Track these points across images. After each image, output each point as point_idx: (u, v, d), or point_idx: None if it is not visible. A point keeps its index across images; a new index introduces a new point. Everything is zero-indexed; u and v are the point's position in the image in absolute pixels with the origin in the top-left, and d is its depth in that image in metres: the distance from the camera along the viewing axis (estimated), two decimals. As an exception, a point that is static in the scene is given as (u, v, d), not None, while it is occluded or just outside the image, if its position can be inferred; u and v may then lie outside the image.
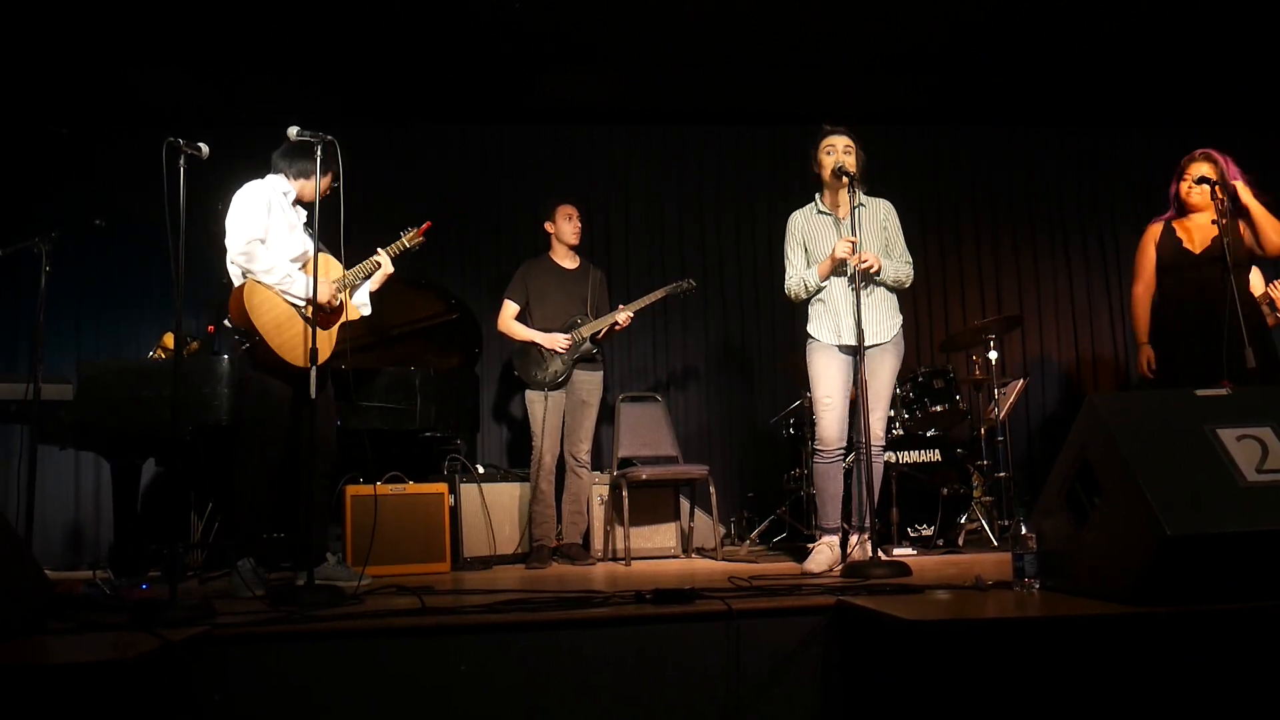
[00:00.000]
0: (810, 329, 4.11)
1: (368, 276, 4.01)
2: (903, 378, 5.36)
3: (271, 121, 3.82)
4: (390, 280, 4.12)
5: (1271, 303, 4.60)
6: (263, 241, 3.73)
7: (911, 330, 6.76)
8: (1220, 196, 3.87)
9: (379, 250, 4.03)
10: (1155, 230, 4.23)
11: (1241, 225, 4.01)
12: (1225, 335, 3.71)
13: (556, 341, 5.06)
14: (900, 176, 6.80)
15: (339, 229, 3.36)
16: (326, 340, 3.79)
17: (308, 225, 3.91)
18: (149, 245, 5.74)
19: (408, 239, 4.08)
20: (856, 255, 3.86)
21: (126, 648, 2.27)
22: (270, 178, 3.89)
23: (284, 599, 3.11)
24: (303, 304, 3.76)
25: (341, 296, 3.86)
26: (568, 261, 5.26)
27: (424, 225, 4.12)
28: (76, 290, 6.10)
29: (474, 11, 5.26)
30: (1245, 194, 4.00)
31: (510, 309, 5.19)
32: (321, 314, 3.76)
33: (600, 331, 5.13)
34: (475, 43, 5.60)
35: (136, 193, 5.65)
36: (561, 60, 5.86)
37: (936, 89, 6.43)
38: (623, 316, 5.12)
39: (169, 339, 5.05)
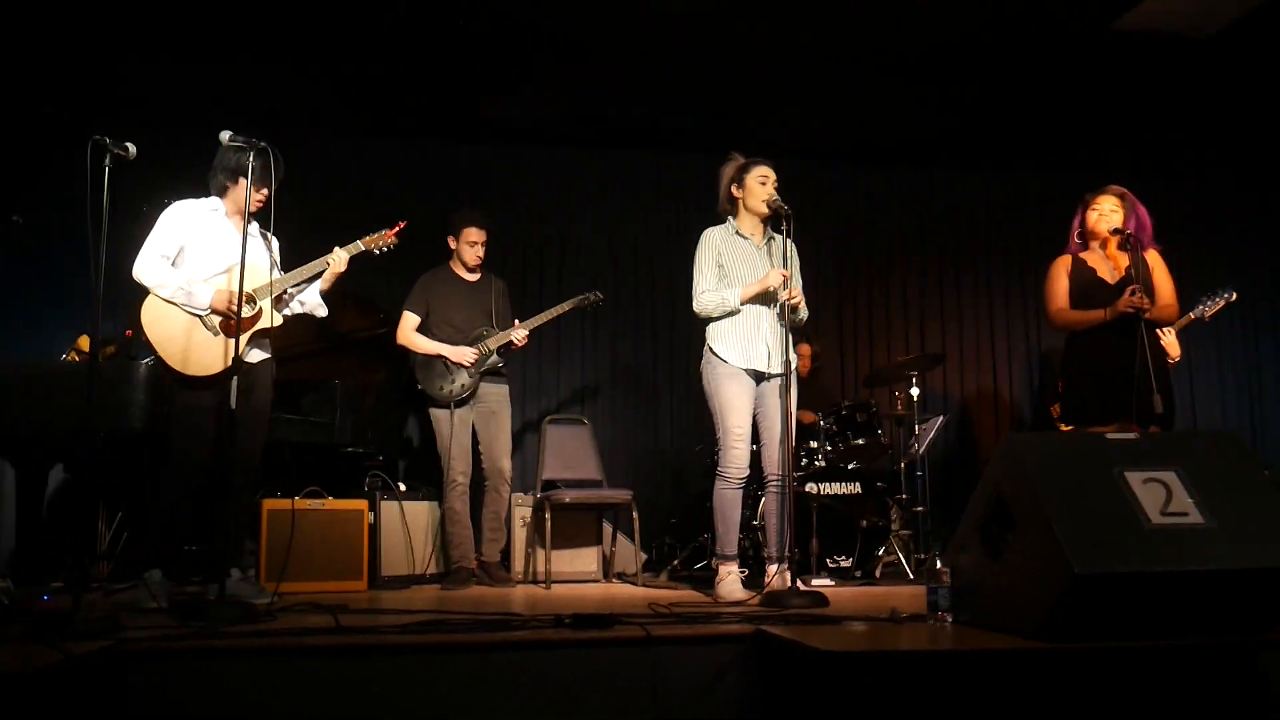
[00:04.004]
0: (717, 348, 4.11)
1: (314, 277, 3.92)
2: (826, 410, 5.45)
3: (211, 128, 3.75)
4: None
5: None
6: (168, 259, 3.73)
7: (836, 364, 6.92)
8: (1134, 246, 4.01)
9: (336, 249, 3.93)
10: (1065, 260, 4.30)
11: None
12: (1136, 381, 3.83)
13: (464, 355, 4.91)
14: (830, 214, 6.93)
15: (278, 237, 3.31)
16: (226, 348, 3.71)
17: (260, 234, 3.87)
18: (70, 244, 5.57)
19: (365, 241, 3.96)
20: (789, 290, 3.94)
21: (24, 660, 2.19)
22: (209, 197, 3.87)
23: (193, 614, 3.03)
24: (204, 314, 3.73)
25: (262, 304, 3.79)
26: (470, 274, 5.12)
27: (396, 226, 3.97)
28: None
29: (426, 30, 5.22)
30: (1154, 260, 4.13)
31: (410, 320, 5.02)
32: (227, 321, 3.71)
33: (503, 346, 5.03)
34: (423, 61, 5.56)
35: (60, 191, 5.51)
36: (500, 81, 5.84)
37: (865, 129, 6.56)
38: (518, 335, 4.98)
39: (84, 341, 4.89)
